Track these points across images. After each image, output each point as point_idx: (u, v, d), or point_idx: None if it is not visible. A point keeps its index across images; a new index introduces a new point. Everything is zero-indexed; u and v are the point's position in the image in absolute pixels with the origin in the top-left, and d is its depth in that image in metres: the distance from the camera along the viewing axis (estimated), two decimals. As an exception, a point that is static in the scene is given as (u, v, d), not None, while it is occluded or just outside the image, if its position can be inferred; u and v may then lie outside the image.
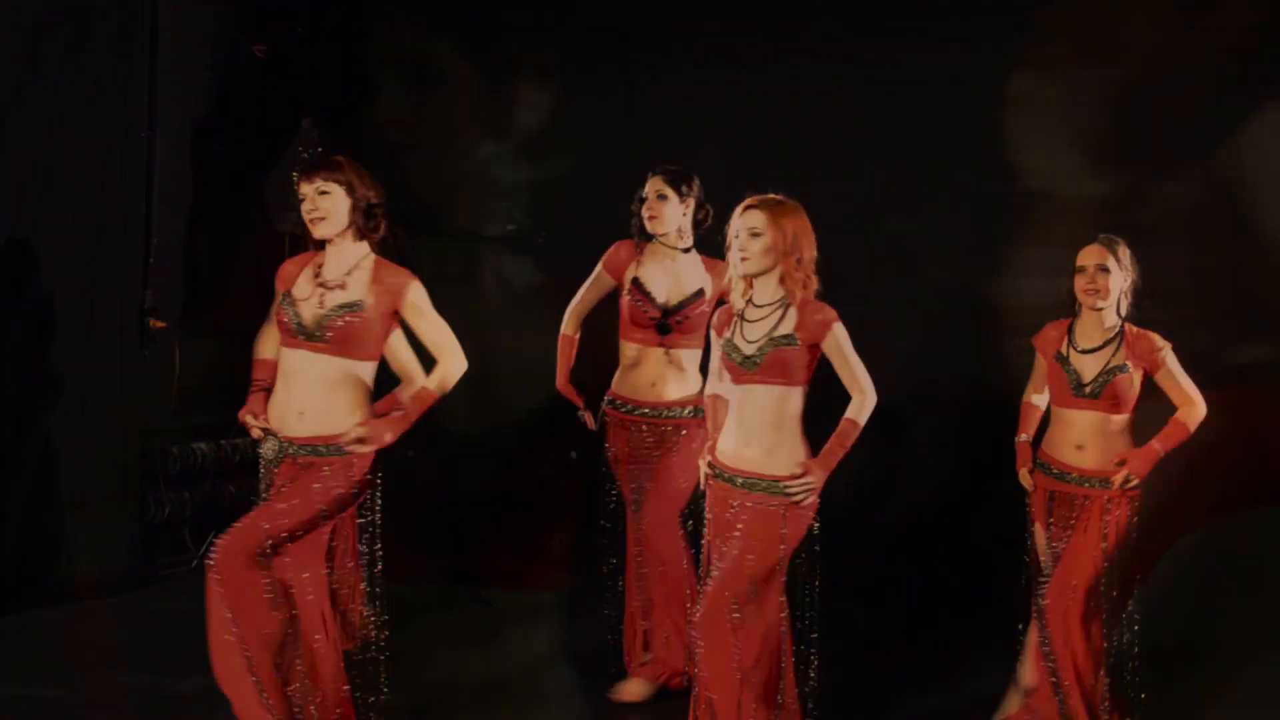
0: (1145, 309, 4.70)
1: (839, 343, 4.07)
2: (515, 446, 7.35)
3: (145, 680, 4.71)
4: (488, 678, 5.19)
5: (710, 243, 4.77)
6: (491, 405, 7.33)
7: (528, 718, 4.86)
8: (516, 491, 7.21)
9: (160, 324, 6.66)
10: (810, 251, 4.08)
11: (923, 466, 6.68)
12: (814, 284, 4.10)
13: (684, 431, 5.07)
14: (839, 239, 4.38)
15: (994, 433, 5.29)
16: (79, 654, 5.21)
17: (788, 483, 4.02)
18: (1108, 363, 4.55)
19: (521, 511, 7.13)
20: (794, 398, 4.06)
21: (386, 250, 4.26)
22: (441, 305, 4.32)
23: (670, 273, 5.08)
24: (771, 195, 4.13)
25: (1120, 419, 4.58)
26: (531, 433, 7.14)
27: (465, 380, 4.22)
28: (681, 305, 5.05)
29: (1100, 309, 4.58)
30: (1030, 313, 5.86)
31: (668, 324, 5.04)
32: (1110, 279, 4.55)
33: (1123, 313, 4.61)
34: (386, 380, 4.36)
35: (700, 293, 5.06)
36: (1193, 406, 4.56)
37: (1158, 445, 4.53)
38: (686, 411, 5.08)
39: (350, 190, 4.14)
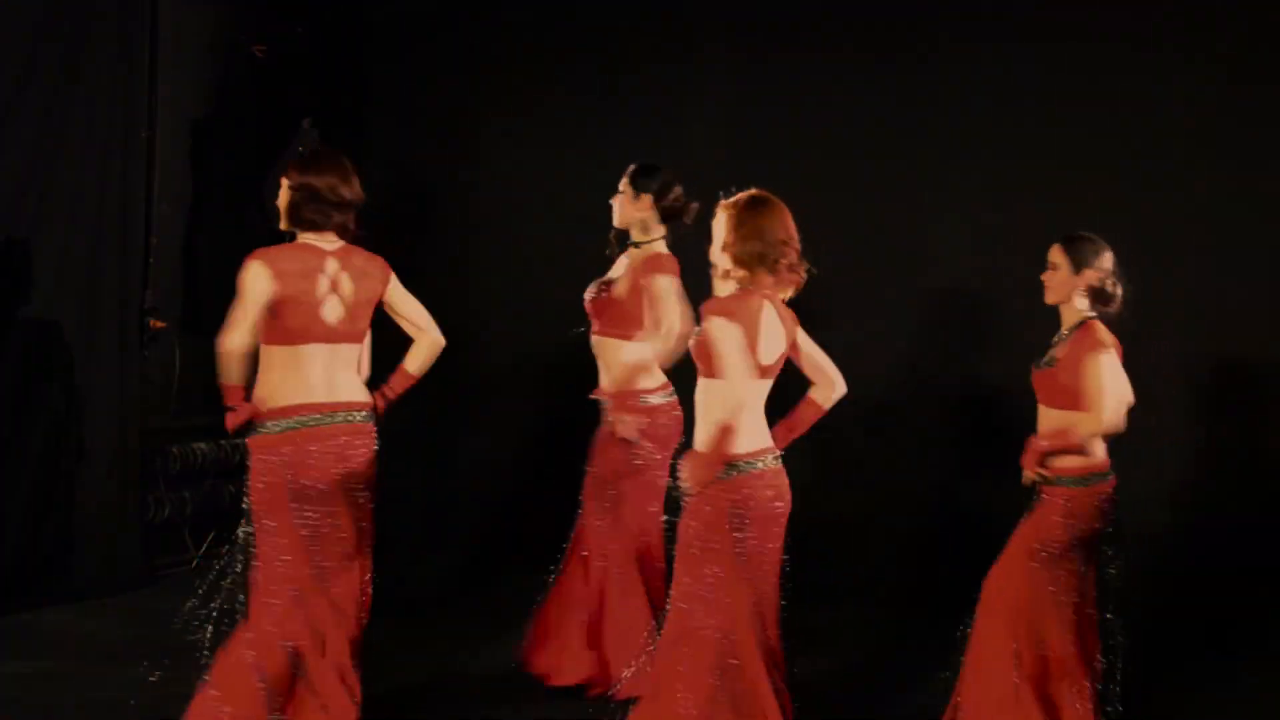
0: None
1: (707, 334, 4.03)
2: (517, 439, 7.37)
3: (145, 680, 4.71)
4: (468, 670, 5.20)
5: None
6: (472, 399, 7.35)
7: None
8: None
9: (160, 324, 6.66)
10: (744, 246, 4.04)
11: (922, 464, 6.68)
12: (743, 276, 4.06)
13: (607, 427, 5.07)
14: (836, 237, 4.39)
15: (992, 432, 5.30)
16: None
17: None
18: (1049, 356, 4.54)
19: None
20: (713, 389, 4.05)
21: (359, 242, 4.31)
22: (438, 299, 4.36)
23: (618, 265, 5.14)
24: (744, 193, 4.15)
25: (1061, 415, 4.44)
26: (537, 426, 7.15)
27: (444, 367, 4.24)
28: (594, 292, 5.11)
29: (1054, 304, 4.57)
30: (1029, 311, 5.86)
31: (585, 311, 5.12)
32: (1056, 275, 4.54)
33: (1092, 310, 4.53)
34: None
35: (611, 283, 5.06)
36: (1089, 415, 4.37)
37: (1042, 443, 4.43)
38: (607, 404, 5.06)
39: (289, 184, 4.26)
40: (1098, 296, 4.52)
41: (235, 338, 4.10)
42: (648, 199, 5.03)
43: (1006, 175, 6.59)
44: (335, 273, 4.18)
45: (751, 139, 6.93)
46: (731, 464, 4.01)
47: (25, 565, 5.89)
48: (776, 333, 4.12)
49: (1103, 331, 4.47)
